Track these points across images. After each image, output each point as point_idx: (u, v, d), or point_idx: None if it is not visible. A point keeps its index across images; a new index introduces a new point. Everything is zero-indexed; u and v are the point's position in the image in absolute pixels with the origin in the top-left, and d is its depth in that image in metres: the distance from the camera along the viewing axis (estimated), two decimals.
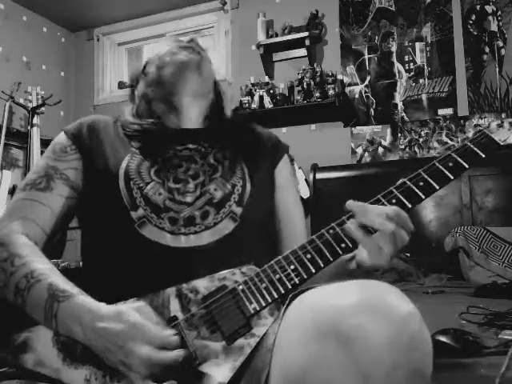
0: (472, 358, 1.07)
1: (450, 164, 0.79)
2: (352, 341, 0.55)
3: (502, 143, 0.80)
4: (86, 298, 0.74)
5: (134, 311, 0.70)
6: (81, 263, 0.97)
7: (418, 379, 0.56)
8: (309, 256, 0.74)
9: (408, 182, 0.78)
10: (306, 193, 3.41)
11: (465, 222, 3.10)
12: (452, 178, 0.78)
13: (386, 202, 0.77)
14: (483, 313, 1.43)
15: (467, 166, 0.78)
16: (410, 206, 0.76)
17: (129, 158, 0.92)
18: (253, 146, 1.01)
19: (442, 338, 1.11)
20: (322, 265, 0.74)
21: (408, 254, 2.67)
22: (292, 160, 3.34)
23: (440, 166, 0.78)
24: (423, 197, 0.77)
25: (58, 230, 0.92)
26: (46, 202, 0.89)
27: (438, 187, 0.77)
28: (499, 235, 2.75)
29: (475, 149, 0.79)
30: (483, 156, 0.79)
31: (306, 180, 3.45)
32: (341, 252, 0.74)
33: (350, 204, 0.77)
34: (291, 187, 1.05)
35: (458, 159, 0.79)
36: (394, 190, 0.78)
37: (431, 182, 0.77)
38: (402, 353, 0.55)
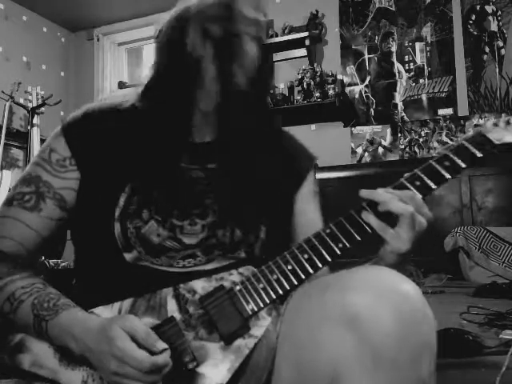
0: (472, 357, 1.07)
1: (447, 163, 0.77)
2: (360, 321, 0.58)
3: (497, 142, 0.80)
4: (71, 311, 0.71)
5: (119, 330, 0.65)
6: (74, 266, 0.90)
7: (425, 350, 0.58)
8: (306, 256, 0.72)
9: (405, 182, 0.77)
10: None
11: (465, 222, 3.10)
12: (448, 177, 0.77)
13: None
14: (484, 313, 1.43)
15: (463, 166, 0.77)
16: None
17: (128, 191, 0.80)
18: (275, 173, 0.87)
19: (443, 338, 1.11)
20: (320, 265, 0.72)
21: None
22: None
23: (436, 166, 0.77)
24: (422, 195, 0.75)
25: (44, 248, 0.85)
26: (32, 224, 0.81)
27: (434, 187, 0.76)
28: (499, 235, 2.75)
29: (471, 148, 0.78)
30: (479, 156, 0.78)
31: None
32: (339, 252, 0.73)
33: (364, 192, 0.75)
34: (313, 209, 0.95)
35: (455, 159, 0.78)
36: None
37: (427, 181, 0.77)
38: (409, 326, 0.58)
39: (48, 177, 0.82)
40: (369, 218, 0.73)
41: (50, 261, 2.55)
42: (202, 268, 0.79)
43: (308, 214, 0.93)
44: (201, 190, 0.82)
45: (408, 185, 0.76)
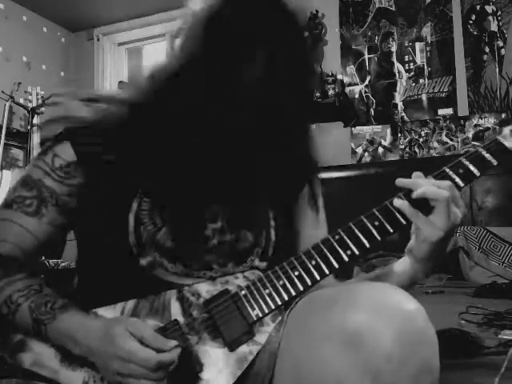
0: (471, 358, 1.07)
1: (461, 171, 0.76)
2: (361, 339, 0.56)
3: None
4: (69, 313, 0.70)
5: (123, 331, 0.64)
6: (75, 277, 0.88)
7: (425, 375, 0.56)
8: (314, 262, 0.71)
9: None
10: None
11: (465, 222, 3.09)
12: (462, 185, 0.75)
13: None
14: (482, 313, 1.43)
15: (478, 174, 0.76)
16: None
17: (139, 197, 0.78)
18: (282, 173, 0.85)
19: (442, 338, 1.11)
20: (328, 272, 0.71)
21: None
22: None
23: (449, 172, 0.76)
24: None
25: (41, 252, 0.84)
26: (31, 229, 0.79)
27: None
28: (499, 235, 2.75)
29: (487, 156, 0.77)
30: (495, 163, 0.77)
31: None
32: (347, 259, 0.71)
33: (400, 181, 0.74)
34: (315, 214, 0.93)
35: (470, 166, 0.76)
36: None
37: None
38: (410, 348, 0.56)
39: (51, 182, 0.80)
40: (400, 203, 0.72)
41: (50, 261, 2.56)
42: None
43: (311, 214, 0.92)
44: (207, 194, 0.79)
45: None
